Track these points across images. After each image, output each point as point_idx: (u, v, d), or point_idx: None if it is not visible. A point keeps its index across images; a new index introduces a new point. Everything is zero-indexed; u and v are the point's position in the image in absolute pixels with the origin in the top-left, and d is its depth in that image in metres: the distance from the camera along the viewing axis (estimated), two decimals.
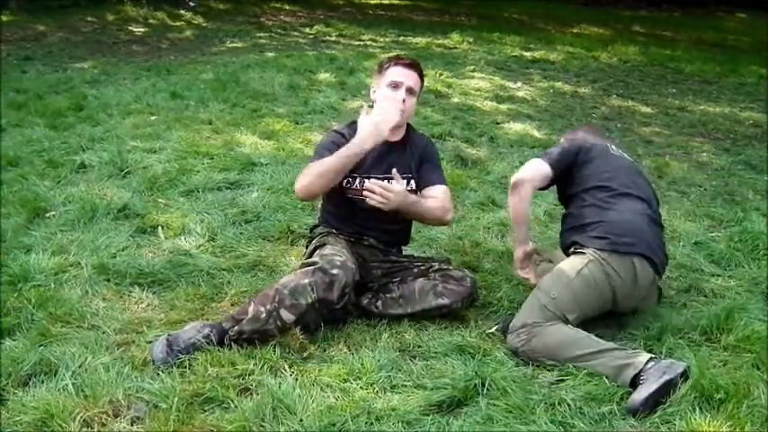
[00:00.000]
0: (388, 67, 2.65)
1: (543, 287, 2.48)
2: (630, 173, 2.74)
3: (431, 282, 2.58)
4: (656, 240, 2.57)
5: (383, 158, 2.65)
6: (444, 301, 2.54)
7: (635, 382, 2.16)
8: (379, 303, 2.58)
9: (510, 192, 2.71)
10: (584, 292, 2.43)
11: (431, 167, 2.72)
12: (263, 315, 2.28)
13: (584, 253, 2.49)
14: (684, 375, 2.16)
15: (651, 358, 2.21)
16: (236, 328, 2.29)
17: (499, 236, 3.47)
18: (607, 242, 2.48)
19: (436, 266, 2.65)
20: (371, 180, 2.49)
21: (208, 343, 2.25)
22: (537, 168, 2.71)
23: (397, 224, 2.72)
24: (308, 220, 3.36)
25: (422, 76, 2.70)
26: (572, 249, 2.58)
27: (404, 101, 2.59)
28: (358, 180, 2.60)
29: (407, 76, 2.62)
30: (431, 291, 2.56)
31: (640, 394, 2.09)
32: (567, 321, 2.40)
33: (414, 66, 2.66)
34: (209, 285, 2.77)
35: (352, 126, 2.62)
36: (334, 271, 2.32)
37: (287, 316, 2.29)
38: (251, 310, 2.31)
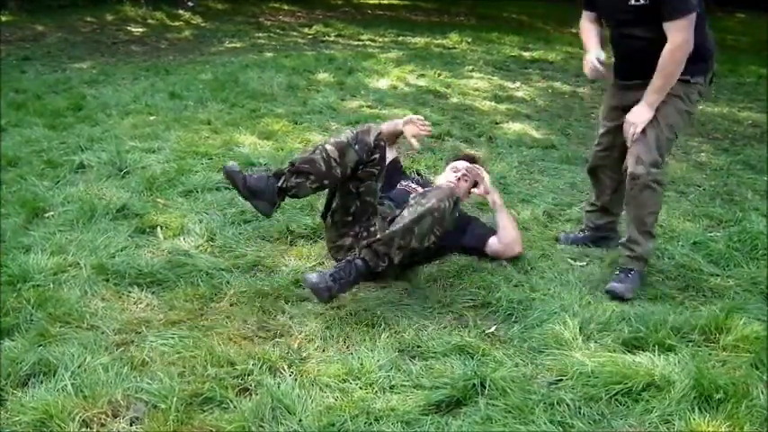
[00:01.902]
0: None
1: (668, 121, 2.59)
2: None
3: (414, 199, 2.72)
4: None
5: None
6: (432, 202, 2.62)
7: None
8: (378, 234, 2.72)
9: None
10: (685, 127, 2.73)
11: None
12: (311, 148, 2.76)
13: (693, 84, 2.64)
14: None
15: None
16: (288, 161, 2.73)
17: None
18: (709, 70, 2.71)
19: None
20: (476, 166, 3.24)
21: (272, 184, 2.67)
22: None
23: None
24: (306, 221, 3.37)
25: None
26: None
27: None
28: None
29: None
30: (416, 203, 2.66)
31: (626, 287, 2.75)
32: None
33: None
34: (208, 285, 2.77)
35: None
36: (371, 123, 2.86)
37: (330, 148, 2.69)
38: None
